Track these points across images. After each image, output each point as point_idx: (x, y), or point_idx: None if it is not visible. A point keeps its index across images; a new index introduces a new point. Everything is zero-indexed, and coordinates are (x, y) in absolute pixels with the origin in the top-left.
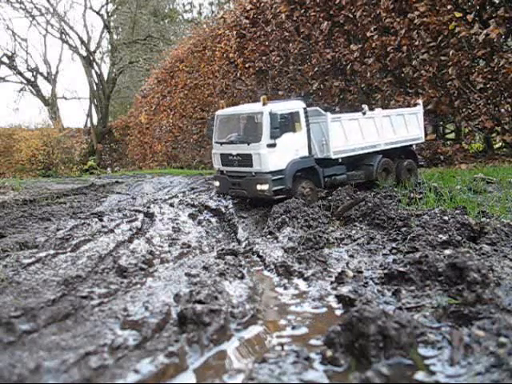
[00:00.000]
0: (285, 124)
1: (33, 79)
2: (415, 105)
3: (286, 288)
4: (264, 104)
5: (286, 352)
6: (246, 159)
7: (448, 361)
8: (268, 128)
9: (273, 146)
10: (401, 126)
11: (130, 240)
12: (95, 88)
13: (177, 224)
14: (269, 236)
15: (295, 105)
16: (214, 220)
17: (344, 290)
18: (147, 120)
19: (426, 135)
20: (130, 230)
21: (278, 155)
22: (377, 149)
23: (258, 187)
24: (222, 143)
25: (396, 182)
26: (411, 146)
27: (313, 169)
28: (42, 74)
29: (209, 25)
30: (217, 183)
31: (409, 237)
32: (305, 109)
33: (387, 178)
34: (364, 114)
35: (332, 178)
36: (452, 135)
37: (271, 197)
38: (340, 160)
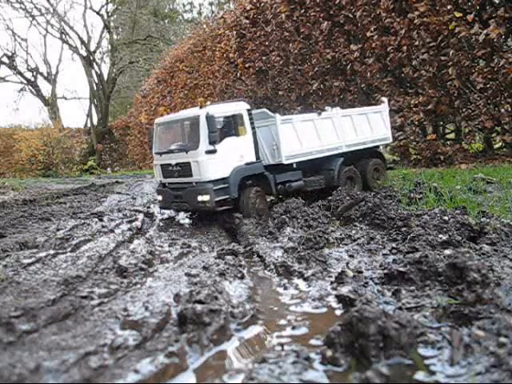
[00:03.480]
0: (226, 128)
1: (33, 79)
2: (380, 103)
3: (286, 288)
4: (201, 107)
5: (286, 352)
6: (186, 168)
7: (448, 361)
8: (205, 133)
9: (212, 152)
10: (364, 126)
11: (130, 240)
12: (95, 88)
13: None
14: (269, 236)
15: (237, 107)
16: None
17: (344, 289)
18: (147, 120)
19: (425, 135)
20: (130, 229)
21: (220, 162)
22: (337, 151)
23: (199, 198)
24: (161, 153)
25: (363, 186)
26: (378, 147)
27: (262, 175)
28: (42, 74)
29: (209, 25)
30: (159, 197)
31: (409, 237)
32: (249, 110)
33: (351, 184)
34: (319, 114)
35: (286, 185)
36: (452, 135)
37: (214, 209)
38: (295, 165)
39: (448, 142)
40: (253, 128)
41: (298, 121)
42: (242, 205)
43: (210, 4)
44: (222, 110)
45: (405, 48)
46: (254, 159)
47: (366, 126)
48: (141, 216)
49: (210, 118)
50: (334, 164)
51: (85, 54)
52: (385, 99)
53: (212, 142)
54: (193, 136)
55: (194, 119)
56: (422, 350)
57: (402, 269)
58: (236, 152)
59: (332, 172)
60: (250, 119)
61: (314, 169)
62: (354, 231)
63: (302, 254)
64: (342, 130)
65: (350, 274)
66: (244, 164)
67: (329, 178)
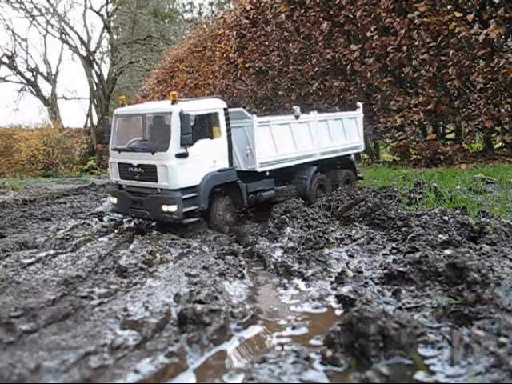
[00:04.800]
0: (200, 128)
1: (33, 79)
2: (355, 108)
3: (285, 288)
4: (173, 102)
5: (286, 352)
6: (150, 172)
7: (448, 361)
8: (178, 133)
9: (184, 155)
10: (339, 132)
11: (130, 240)
12: (95, 88)
13: None
14: (269, 236)
15: (213, 104)
16: None
17: (344, 290)
18: None
19: (425, 135)
20: (130, 229)
21: (191, 168)
22: (311, 159)
23: (165, 208)
24: (120, 150)
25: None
26: (350, 155)
27: (234, 184)
28: (42, 74)
29: (209, 25)
30: (114, 200)
31: (409, 237)
32: (225, 110)
33: (322, 193)
34: (297, 117)
35: (258, 195)
36: (452, 135)
37: (180, 221)
38: (267, 173)
39: (448, 142)
40: (228, 130)
41: (275, 124)
42: (212, 217)
43: (210, 4)
44: (197, 107)
45: (405, 48)
46: (227, 165)
47: (341, 132)
48: None
49: (184, 117)
50: (307, 173)
51: (85, 53)
52: (360, 104)
53: (184, 145)
54: (162, 135)
55: (165, 115)
56: (422, 350)
57: (402, 269)
58: (209, 157)
59: (305, 181)
60: (226, 119)
61: (286, 177)
62: (354, 231)
63: (302, 253)
64: (317, 136)
65: (350, 274)
66: (216, 170)
67: (301, 187)
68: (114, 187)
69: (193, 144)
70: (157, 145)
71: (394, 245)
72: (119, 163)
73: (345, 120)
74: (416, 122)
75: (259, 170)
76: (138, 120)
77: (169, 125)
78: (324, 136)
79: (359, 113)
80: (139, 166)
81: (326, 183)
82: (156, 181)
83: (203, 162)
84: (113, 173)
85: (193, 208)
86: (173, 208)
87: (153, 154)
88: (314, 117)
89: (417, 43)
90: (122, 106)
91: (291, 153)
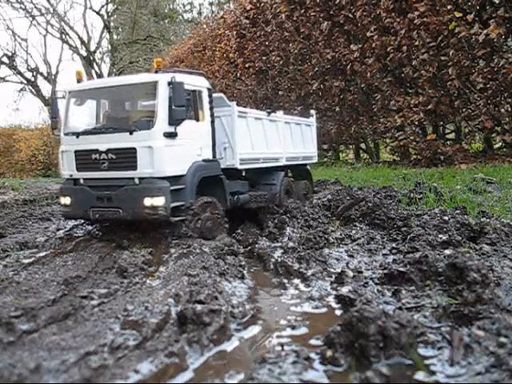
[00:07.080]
0: (186, 105)
1: (33, 79)
2: (308, 116)
3: (285, 288)
4: (157, 70)
5: (286, 352)
6: (126, 157)
7: (448, 361)
8: (166, 107)
9: (173, 135)
10: (299, 138)
11: (130, 240)
12: None
13: None
14: (269, 236)
15: (197, 81)
16: None
17: (344, 290)
18: None
19: (425, 135)
20: (130, 229)
21: (179, 152)
22: (279, 163)
23: (147, 202)
24: (80, 134)
25: None
26: (306, 165)
27: (218, 179)
28: (42, 73)
29: (209, 25)
30: (67, 200)
31: (409, 237)
32: (210, 90)
33: (287, 199)
34: (268, 113)
35: (235, 198)
36: (452, 135)
37: (167, 218)
38: (244, 173)
39: (448, 142)
40: (212, 115)
41: (251, 117)
42: (195, 219)
43: (210, 4)
44: (183, 79)
45: (405, 48)
46: (210, 156)
47: (300, 139)
48: None
49: (177, 86)
50: (276, 178)
51: (85, 53)
52: (313, 112)
53: (175, 121)
54: (142, 111)
55: (148, 87)
56: (422, 350)
57: (402, 269)
58: (196, 142)
59: (274, 187)
60: (210, 102)
61: (253, 182)
62: (354, 231)
63: (302, 254)
64: (284, 139)
65: (350, 274)
66: (202, 160)
67: (271, 194)
68: (65, 184)
69: (182, 122)
70: (137, 122)
71: (394, 245)
72: (77, 151)
73: (303, 126)
74: (416, 122)
75: (239, 167)
76: (101, 97)
77: (153, 98)
78: (288, 140)
79: (313, 121)
80: (109, 151)
81: (292, 190)
82: (135, 168)
83: (191, 147)
84: (65, 165)
85: (180, 203)
86: (159, 201)
87: (131, 133)
88: (281, 117)
89: (417, 43)
90: (79, 81)
91: (263, 152)
